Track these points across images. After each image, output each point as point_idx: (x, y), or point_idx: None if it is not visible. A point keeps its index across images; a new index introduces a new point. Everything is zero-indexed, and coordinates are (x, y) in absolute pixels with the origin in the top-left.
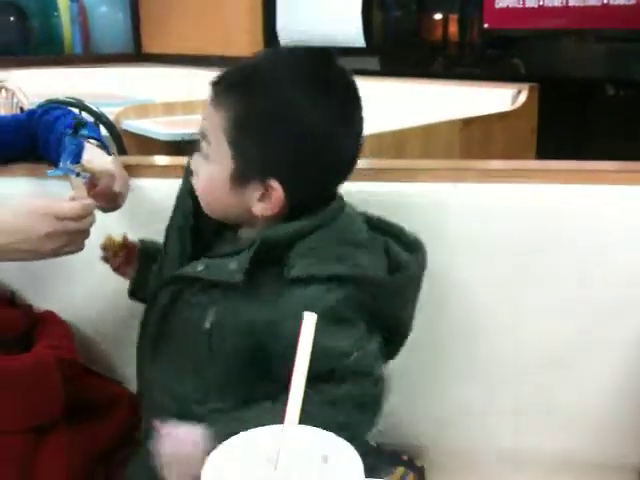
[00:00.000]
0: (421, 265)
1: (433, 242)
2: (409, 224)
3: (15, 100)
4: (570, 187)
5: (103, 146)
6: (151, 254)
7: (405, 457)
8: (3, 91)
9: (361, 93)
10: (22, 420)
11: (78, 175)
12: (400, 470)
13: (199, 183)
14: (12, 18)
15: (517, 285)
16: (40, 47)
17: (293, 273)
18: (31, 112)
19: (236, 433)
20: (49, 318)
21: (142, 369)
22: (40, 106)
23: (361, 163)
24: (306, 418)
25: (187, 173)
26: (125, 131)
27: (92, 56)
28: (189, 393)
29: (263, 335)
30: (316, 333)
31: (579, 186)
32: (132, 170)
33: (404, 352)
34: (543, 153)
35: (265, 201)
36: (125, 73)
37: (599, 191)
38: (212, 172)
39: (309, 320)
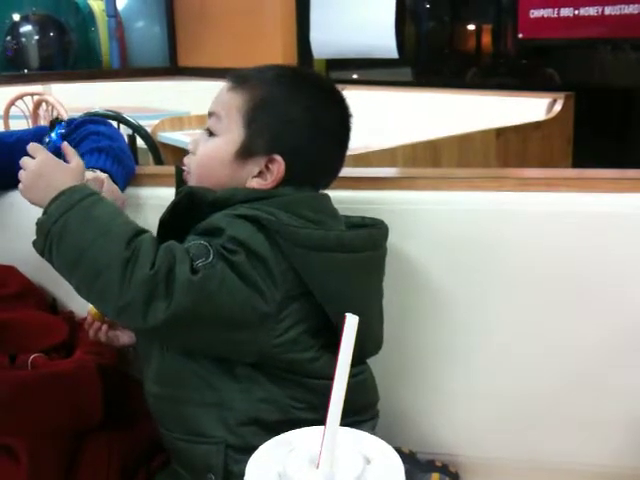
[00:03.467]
0: (360, 235)
1: (466, 249)
2: (445, 232)
3: (55, 113)
4: (607, 195)
5: (110, 174)
6: None
7: (439, 463)
8: (43, 104)
9: (395, 104)
10: (64, 424)
11: None
12: (435, 476)
13: (197, 158)
14: (52, 33)
15: (556, 292)
16: (79, 61)
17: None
18: (69, 121)
19: None
20: None
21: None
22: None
23: (395, 172)
24: None
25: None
26: (162, 143)
27: (129, 70)
28: None
29: None
30: None
31: (616, 195)
32: (168, 180)
33: (437, 359)
34: (579, 162)
35: (262, 176)
36: (161, 86)
37: (636, 199)
38: (216, 146)
39: (351, 322)
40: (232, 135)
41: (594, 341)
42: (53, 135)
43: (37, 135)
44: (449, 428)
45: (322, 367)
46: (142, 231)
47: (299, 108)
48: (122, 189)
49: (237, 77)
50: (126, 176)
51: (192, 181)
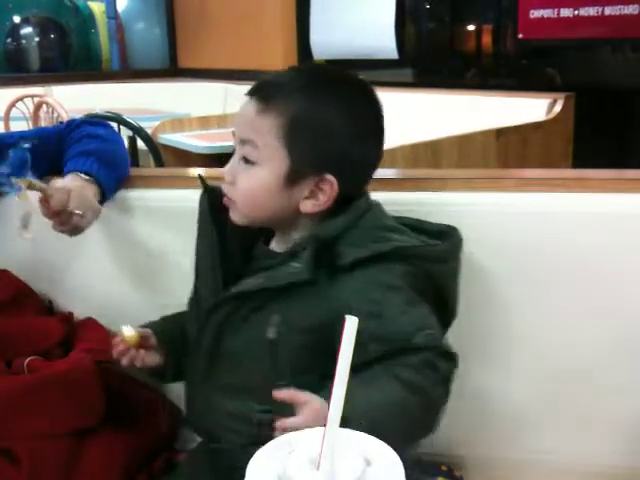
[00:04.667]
0: (456, 245)
1: (468, 249)
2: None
3: (55, 115)
4: (607, 196)
5: (95, 178)
6: (167, 331)
7: (444, 467)
8: (44, 106)
9: (395, 105)
10: (65, 425)
11: (19, 190)
12: None
13: (240, 191)
14: (52, 35)
15: (553, 294)
16: (79, 63)
17: (344, 261)
18: (70, 122)
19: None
20: (88, 324)
21: (194, 390)
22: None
23: (395, 173)
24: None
25: (207, 190)
26: (162, 144)
27: (129, 71)
28: (252, 407)
29: (330, 326)
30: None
31: (616, 195)
32: (169, 181)
33: None
34: (579, 163)
35: (315, 198)
36: (161, 88)
37: (636, 199)
38: (261, 176)
39: (350, 323)
40: (275, 162)
41: (593, 340)
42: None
43: (39, 136)
44: (453, 428)
45: None
46: None
47: (336, 115)
48: (112, 192)
49: (262, 96)
50: (117, 180)
51: (239, 213)
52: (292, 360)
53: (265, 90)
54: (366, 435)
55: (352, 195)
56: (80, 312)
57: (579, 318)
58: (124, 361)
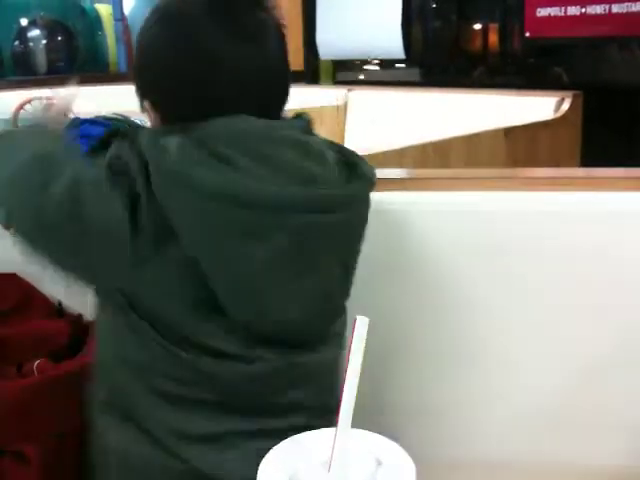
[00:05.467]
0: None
1: (477, 249)
2: (453, 233)
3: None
4: (615, 194)
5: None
6: None
7: None
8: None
9: (403, 104)
10: (74, 425)
11: None
12: None
13: None
14: (59, 38)
15: (565, 291)
16: (86, 65)
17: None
18: (72, 120)
19: None
20: None
21: None
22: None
23: (403, 173)
24: None
25: None
26: None
27: None
28: None
29: None
30: None
31: (624, 193)
32: None
33: (442, 361)
34: (588, 161)
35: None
36: None
37: None
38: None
39: (361, 323)
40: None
41: (603, 340)
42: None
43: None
44: (457, 430)
45: None
46: None
47: (152, 45)
48: None
49: None
50: None
51: None
52: None
53: None
54: (377, 435)
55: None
56: (91, 313)
57: (586, 316)
58: None
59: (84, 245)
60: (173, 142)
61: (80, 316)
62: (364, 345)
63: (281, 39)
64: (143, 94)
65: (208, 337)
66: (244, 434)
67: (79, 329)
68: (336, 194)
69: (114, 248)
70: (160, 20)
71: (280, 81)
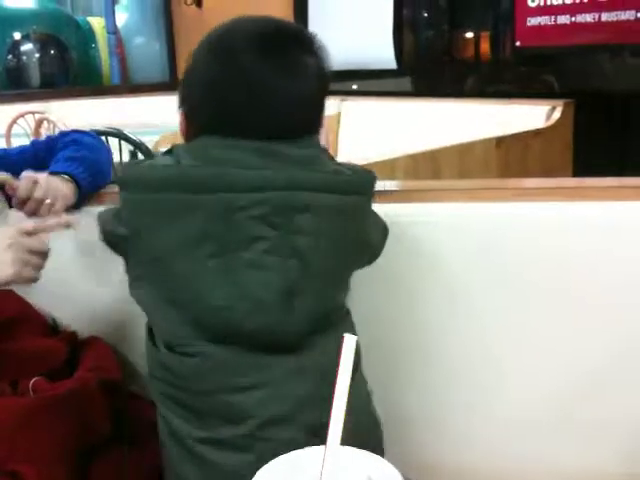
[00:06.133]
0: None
1: (467, 260)
2: (444, 244)
3: (57, 131)
4: (607, 204)
5: (77, 181)
6: None
7: None
8: (45, 123)
9: (395, 114)
10: (72, 445)
11: None
12: None
13: None
14: (52, 51)
15: (557, 301)
16: (79, 78)
17: None
18: (61, 134)
19: None
20: (93, 343)
21: None
22: None
23: (394, 185)
24: None
25: None
26: None
27: (130, 86)
28: None
29: None
30: None
31: (616, 203)
32: None
33: (428, 365)
34: (580, 168)
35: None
36: (162, 101)
37: (636, 207)
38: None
39: (349, 341)
40: None
41: (595, 349)
42: None
43: (47, 145)
44: (454, 436)
45: None
46: None
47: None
48: (85, 192)
49: None
50: (95, 185)
51: None
52: None
53: None
54: (367, 453)
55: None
56: (85, 330)
57: (579, 327)
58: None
59: None
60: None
61: (74, 333)
62: (352, 364)
63: (321, 78)
64: (181, 104)
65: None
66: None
67: (74, 347)
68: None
69: None
70: (213, 48)
71: (309, 114)
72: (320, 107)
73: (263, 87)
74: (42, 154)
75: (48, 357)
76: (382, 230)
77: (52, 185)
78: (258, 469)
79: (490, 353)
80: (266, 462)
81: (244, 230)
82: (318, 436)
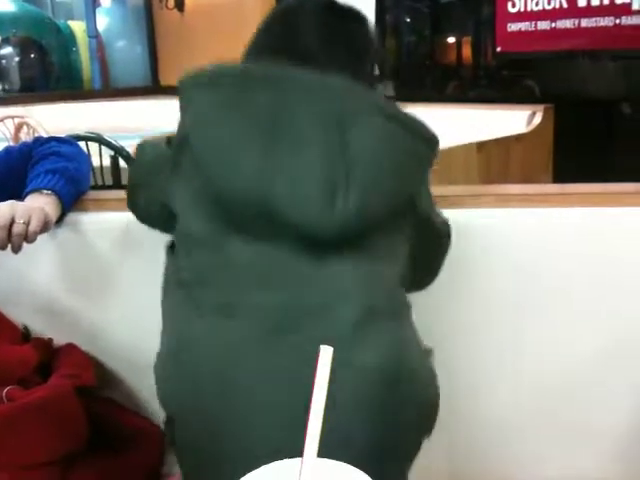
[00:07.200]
0: None
1: (453, 268)
2: None
3: (37, 136)
4: (587, 210)
5: (59, 195)
6: None
7: None
8: (25, 127)
9: None
10: (50, 452)
11: None
12: None
13: None
14: (33, 55)
15: (534, 309)
16: (60, 82)
17: None
18: (37, 138)
19: None
20: (68, 350)
21: None
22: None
23: None
24: None
25: None
26: None
27: (111, 90)
28: None
29: None
30: None
31: (596, 209)
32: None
33: None
34: (561, 172)
35: None
36: (143, 106)
37: (618, 213)
38: None
39: (325, 353)
40: None
41: (586, 352)
42: None
43: (22, 153)
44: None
45: None
46: None
47: None
48: (68, 206)
49: None
50: (76, 195)
51: None
52: None
53: None
54: (344, 464)
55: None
56: (62, 338)
57: (562, 331)
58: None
59: None
60: None
61: (49, 340)
62: (328, 376)
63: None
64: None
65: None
66: None
67: (47, 353)
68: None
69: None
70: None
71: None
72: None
73: None
74: (16, 163)
75: (19, 365)
76: (439, 219)
77: (28, 206)
78: None
79: (475, 358)
80: None
81: (295, 126)
82: None
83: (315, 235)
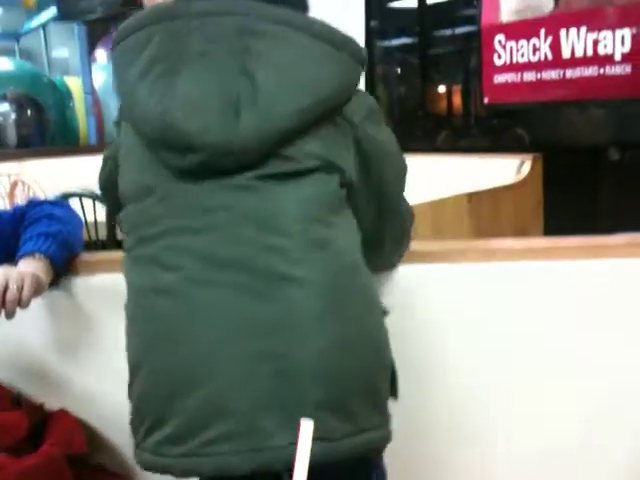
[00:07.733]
0: None
1: (441, 323)
2: (421, 305)
3: (31, 193)
4: (575, 263)
5: (51, 259)
6: None
7: None
8: (20, 184)
9: None
10: None
11: None
12: None
13: None
14: (29, 112)
15: (521, 364)
16: (56, 138)
17: None
18: (30, 201)
19: None
20: (59, 415)
21: None
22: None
23: None
24: None
25: None
26: None
27: (106, 145)
28: None
29: None
30: None
31: (584, 262)
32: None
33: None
34: (551, 222)
35: None
36: None
37: (608, 265)
38: None
39: (306, 427)
40: None
41: (563, 414)
42: None
43: (14, 216)
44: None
45: None
46: None
47: None
48: (61, 270)
49: None
50: (69, 257)
51: None
52: None
53: None
54: None
55: None
56: (53, 404)
57: (552, 387)
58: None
59: None
60: None
61: (41, 406)
62: (309, 451)
63: None
64: None
65: None
66: None
67: (38, 419)
68: None
69: None
70: None
71: None
72: None
73: None
74: (7, 227)
75: (9, 432)
76: (390, 145)
77: (19, 271)
78: None
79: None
80: None
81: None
82: None
83: (226, 150)
